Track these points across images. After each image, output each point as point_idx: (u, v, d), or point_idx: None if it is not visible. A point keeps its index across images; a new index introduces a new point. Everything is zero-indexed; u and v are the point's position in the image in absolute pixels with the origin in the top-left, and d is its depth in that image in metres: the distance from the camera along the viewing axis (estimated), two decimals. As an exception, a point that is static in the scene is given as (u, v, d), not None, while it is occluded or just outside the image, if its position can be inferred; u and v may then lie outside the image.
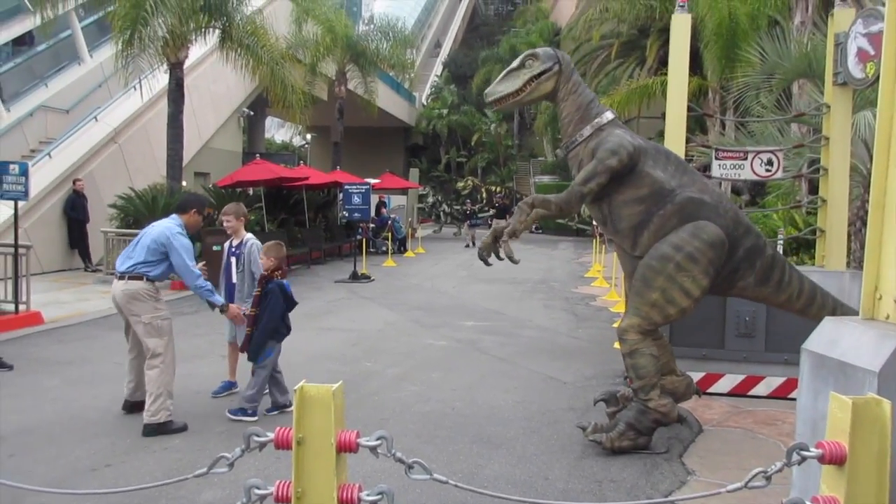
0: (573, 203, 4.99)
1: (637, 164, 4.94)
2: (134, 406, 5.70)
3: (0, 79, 16.16)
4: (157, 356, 5.42)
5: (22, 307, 9.41)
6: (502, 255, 5.01)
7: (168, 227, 5.61)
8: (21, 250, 9.54)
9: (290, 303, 5.92)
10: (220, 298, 5.81)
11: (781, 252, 8.49)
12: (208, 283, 5.67)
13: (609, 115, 5.21)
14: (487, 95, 5.38)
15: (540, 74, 5.19)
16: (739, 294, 5.27)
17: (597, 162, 4.89)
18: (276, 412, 5.85)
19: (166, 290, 12.65)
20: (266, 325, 5.75)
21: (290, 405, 5.61)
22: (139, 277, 5.45)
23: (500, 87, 5.26)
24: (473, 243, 24.75)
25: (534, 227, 34.17)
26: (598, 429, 5.02)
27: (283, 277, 5.93)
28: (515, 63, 5.30)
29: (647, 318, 4.89)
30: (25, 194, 9.50)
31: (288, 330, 5.96)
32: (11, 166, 9.41)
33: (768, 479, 2.13)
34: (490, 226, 28.84)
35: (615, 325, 9.96)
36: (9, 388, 6.49)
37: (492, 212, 29.15)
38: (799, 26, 11.64)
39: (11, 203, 9.91)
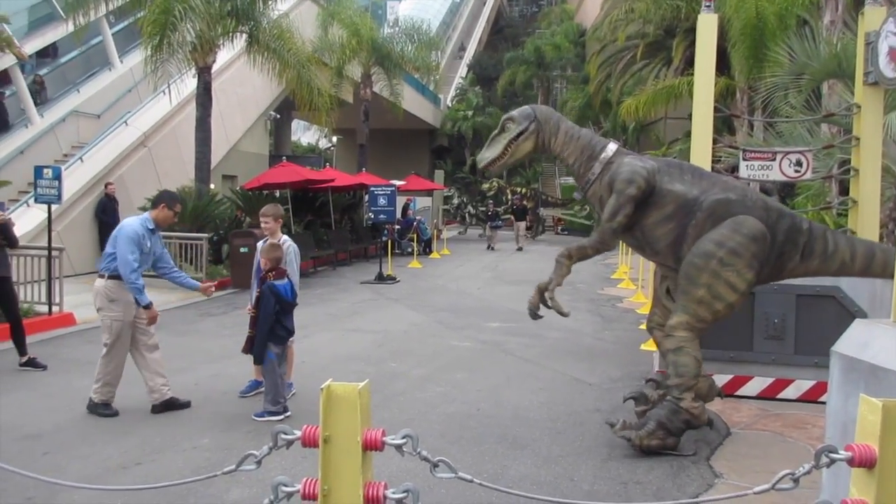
0: (607, 241, 5.13)
1: (655, 185, 5.01)
2: (162, 406, 5.83)
3: (32, 87, 16.49)
4: (104, 347, 5.85)
5: (55, 308, 9.61)
6: (550, 304, 5.22)
7: (127, 222, 5.92)
8: (54, 253, 9.74)
9: (284, 304, 5.81)
10: (146, 298, 5.91)
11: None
12: (141, 281, 5.86)
13: (612, 147, 5.32)
14: (478, 162, 5.66)
15: (518, 136, 5.36)
16: (791, 276, 5.24)
17: (617, 195, 5.00)
18: (265, 417, 5.71)
19: (194, 292, 12.81)
20: (260, 327, 5.79)
21: (280, 416, 5.69)
22: (102, 276, 5.89)
23: (487, 153, 5.52)
24: (493, 246, 24.64)
25: (559, 228, 34.16)
26: (627, 426, 5.01)
27: (277, 279, 5.87)
28: (498, 128, 5.52)
29: (696, 315, 4.88)
30: (59, 198, 9.70)
31: (287, 332, 5.88)
32: (45, 171, 9.61)
33: (796, 481, 2.11)
34: (507, 226, 28.55)
35: (642, 326, 9.91)
36: (43, 387, 6.63)
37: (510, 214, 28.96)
38: (829, 25, 11.47)
39: (45, 206, 10.12)
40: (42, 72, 17.48)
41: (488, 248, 24.58)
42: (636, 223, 5.10)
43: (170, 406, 5.90)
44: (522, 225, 25.62)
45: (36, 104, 17.45)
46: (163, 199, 6.15)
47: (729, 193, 4.99)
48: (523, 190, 34.67)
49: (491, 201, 32.49)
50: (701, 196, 4.97)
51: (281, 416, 5.71)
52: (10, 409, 5.89)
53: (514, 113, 5.51)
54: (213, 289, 6.78)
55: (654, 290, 5.64)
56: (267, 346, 5.76)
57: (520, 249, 23.92)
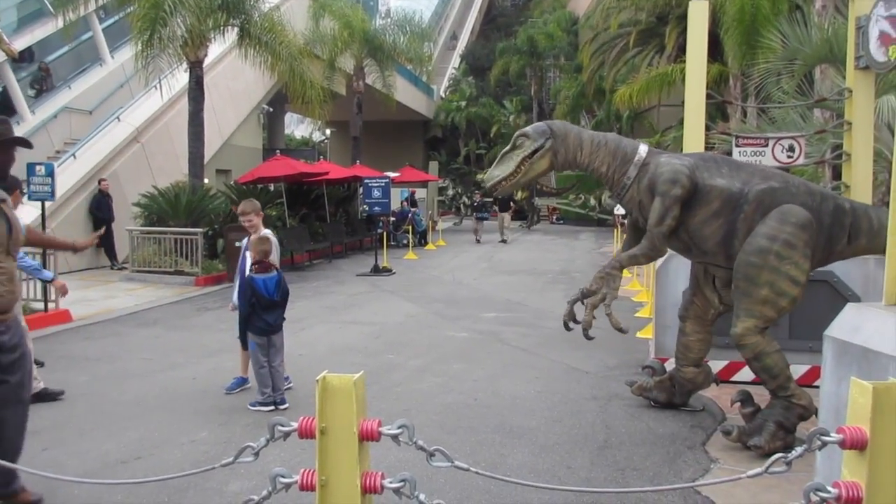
0: (658, 247, 5.00)
1: (698, 182, 4.90)
2: (35, 398, 5.34)
3: (21, 84, 16.41)
4: None
5: (51, 305, 9.60)
6: (609, 320, 5.15)
7: None
8: (49, 250, 9.71)
9: (260, 298, 5.81)
10: (48, 273, 6.52)
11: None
12: (28, 260, 6.24)
13: (644, 147, 5.20)
14: (485, 181, 5.39)
15: (533, 153, 5.17)
16: (839, 258, 5.16)
17: (662, 197, 4.86)
18: (256, 406, 5.79)
19: (190, 287, 12.85)
20: (239, 316, 6.00)
21: (271, 406, 5.75)
22: None
23: (496, 171, 5.27)
24: (479, 239, 23.54)
25: (555, 217, 34.17)
26: (743, 432, 4.86)
27: (260, 272, 5.90)
28: (509, 145, 5.29)
29: (762, 316, 4.75)
30: (52, 195, 9.68)
31: (266, 325, 5.86)
32: (38, 167, 9.59)
33: (788, 464, 2.13)
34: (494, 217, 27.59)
35: (638, 314, 9.95)
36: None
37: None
38: (820, 10, 11.45)
39: (39, 203, 10.10)
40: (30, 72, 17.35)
41: (477, 241, 23.50)
42: (681, 224, 4.95)
43: (42, 398, 5.83)
44: (507, 216, 24.19)
45: (41, 91, 17.59)
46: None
47: (771, 182, 4.88)
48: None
49: (477, 191, 32.05)
50: (745, 188, 4.85)
51: (271, 407, 5.76)
52: (7, 407, 5.89)
53: (528, 129, 5.30)
54: (67, 290, 6.66)
55: (696, 278, 5.45)
56: (248, 335, 5.88)
57: (503, 241, 22.93)
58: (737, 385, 6.24)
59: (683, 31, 17.35)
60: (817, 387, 5.19)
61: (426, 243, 22.54)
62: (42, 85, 17.69)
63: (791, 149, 7.08)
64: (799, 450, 2.14)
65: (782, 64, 9.76)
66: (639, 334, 8.60)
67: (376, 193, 16.14)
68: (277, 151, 21.32)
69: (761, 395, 5.12)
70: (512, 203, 26.52)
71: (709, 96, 7.28)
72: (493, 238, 23.68)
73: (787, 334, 6.25)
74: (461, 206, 34.02)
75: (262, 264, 5.93)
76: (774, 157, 7.10)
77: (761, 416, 4.89)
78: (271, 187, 18.31)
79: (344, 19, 22.19)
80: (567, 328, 5.31)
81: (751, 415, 4.99)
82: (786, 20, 10.44)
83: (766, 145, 7.11)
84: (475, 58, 46.68)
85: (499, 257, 19.02)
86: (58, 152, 16.21)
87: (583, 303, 5.27)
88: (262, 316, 5.84)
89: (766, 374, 4.80)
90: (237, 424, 5.47)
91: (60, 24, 15.09)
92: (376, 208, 16.50)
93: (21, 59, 15.67)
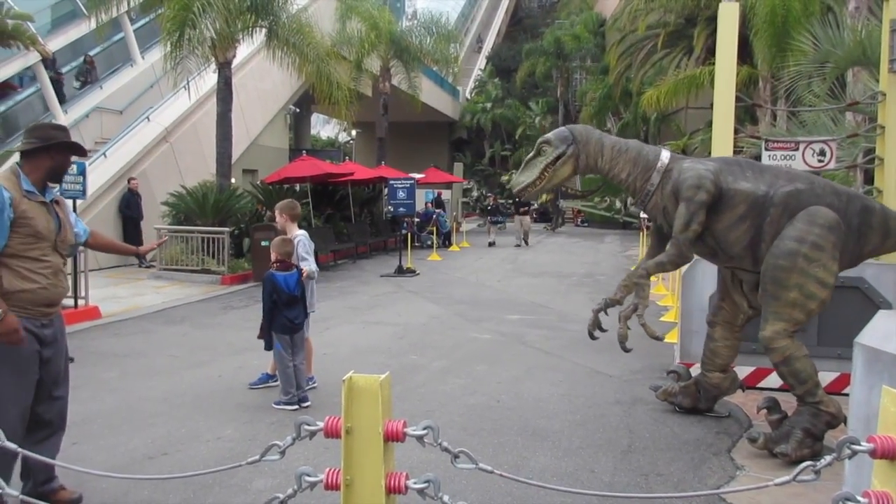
0: (684, 253, 4.99)
1: (722, 187, 4.87)
2: None
3: (83, 67, 16.83)
4: None
5: (81, 302, 9.76)
6: (643, 329, 5.15)
7: None
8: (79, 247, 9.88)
9: (281, 294, 5.87)
10: None
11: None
12: None
13: (666, 153, 5.18)
14: (512, 187, 5.50)
15: (556, 160, 5.19)
16: (870, 256, 5.12)
17: (686, 203, 4.84)
18: (280, 405, 5.85)
19: (216, 285, 12.99)
20: (263, 314, 5.96)
21: (295, 405, 5.80)
22: None
23: (521, 178, 5.33)
24: (494, 242, 22.83)
25: (579, 219, 33.99)
26: (770, 439, 4.80)
27: (281, 270, 5.96)
28: (533, 151, 5.34)
29: (791, 319, 4.71)
30: (83, 193, 9.84)
31: (290, 322, 5.92)
32: (70, 166, 9.73)
33: (817, 473, 2.10)
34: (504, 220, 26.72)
35: (663, 318, 9.87)
36: (70, 379, 6.72)
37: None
38: (853, 12, 11.28)
39: (70, 202, 10.26)
40: (64, 69, 17.66)
41: (490, 244, 22.66)
42: (707, 229, 4.93)
43: None
44: (527, 220, 23.32)
45: (86, 83, 18.10)
46: None
47: (797, 184, 4.83)
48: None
49: (490, 194, 31.66)
50: (770, 191, 4.81)
51: (294, 406, 5.81)
52: (38, 401, 6.00)
53: (550, 136, 5.33)
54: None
55: (724, 282, 5.41)
56: (272, 334, 5.89)
57: (518, 245, 22.31)
58: (763, 391, 6.17)
59: (712, 33, 17.19)
60: (846, 394, 5.12)
61: (450, 244, 22.55)
62: (87, 77, 18.31)
63: (822, 153, 6.98)
64: (828, 458, 2.11)
65: (813, 66, 9.62)
66: (665, 339, 8.53)
67: (401, 194, 16.18)
68: (304, 152, 21.49)
69: (788, 402, 5.05)
70: (530, 205, 25.92)
71: (738, 99, 7.21)
72: (508, 241, 23.16)
73: (816, 341, 6.16)
74: (484, 208, 33.81)
75: (283, 263, 5.99)
76: (805, 161, 7.01)
77: (788, 424, 4.82)
78: (297, 187, 18.44)
79: (371, 21, 22.29)
80: (592, 337, 5.33)
81: (777, 422, 4.91)
82: (817, 22, 10.30)
83: (797, 149, 7.02)
84: (501, 59, 46.64)
85: (523, 259, 18.97)
86: (89, 151, 16.47)
87: (606, 312, 5.29)
88: (284, 313, 5.90)
89: (794, 379, 4.73)
90: (262, 422, 5.52)
91: (93, 25, 15.36)
92: (401, 209, 16.55)
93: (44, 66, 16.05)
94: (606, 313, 5.29)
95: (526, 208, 23.71)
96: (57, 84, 17.23)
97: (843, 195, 4.90)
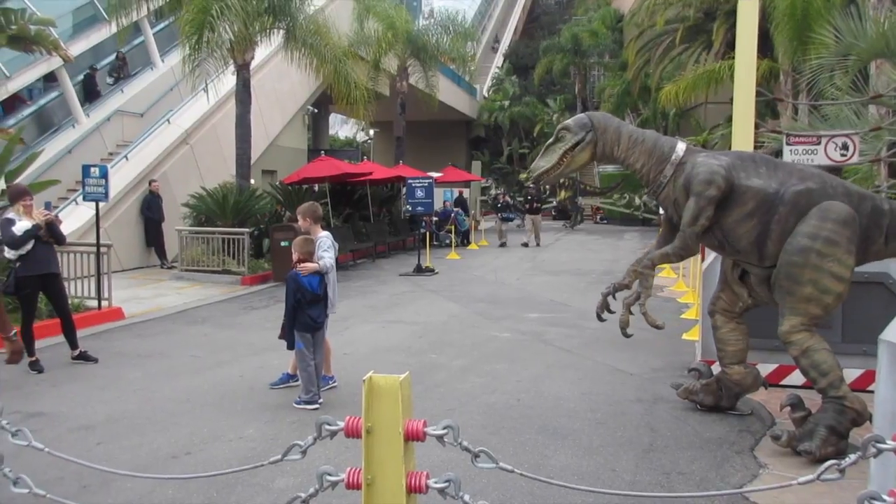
0: (690, 245, 5.08)
1: (734, 182, 4.89)
2: None
3: (115, 63, 17.13)
4: None
5: (104, 303, 9.88)
6: (645, 318, 5.24)
7: None
8: (102, 249, 10.01)
9: (304, 293, 5.92)
10: None
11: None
12: None
13: (682, 146, 5.20)
14: (530, 171, 5.57)
15: (574, 146, 5.28)
16: (875, 258, 5.10)
17: (696, 197, 4.89)
18: (300, 404, 5.90)
19: (237, 286, 13.08)
20: (285, 313, 6.03)
21: (316, 405, 5.83)
22: None
23: (541, 163, 5.44)
24: (505, 242, 22.06)
25: (599, 217, 33.82)
26: (793, 437, 4.77)
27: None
28: (553, 137, 5.42)
29: (807, 313, 4.71)
30: (106, 196, 9.95)
31: (313, 321, 5.98)
32: (93, 169, 9.86)
33: (842, 471, 2.08)
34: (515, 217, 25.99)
35: (684, 316, 9.80)
36: (95, 380, 6.84)
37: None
38: (875, 3, 11.09)
39: (93, 204, 10.40)
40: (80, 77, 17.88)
41: (501, 244, 21.98)
42: (715, 223, 4.98)
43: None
44: (537, 219, 22.33)
45: (118, 79, 18.52)
46: None
47: (808, 183, 4.83)
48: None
49: (499, 191, 31.26)
50: (781, 189, 4.82)
51: (315, 406, 5.84)
52: (64, 401, 6.09)
53: (570, 122, 5.42)
54: None
55: (724, 273, 5.47)
56: (295, 332, 5.93)
57: (525, 245, 21.53)
58: (787, 389, 6.10)
59: (732, 27, 17.02)
60: (871, 392, 5.05)
61: (469, 243, 22.54)
62: (119, 73, 18.75)
63: (845, 147, 6.90)
64: (853, 457, 2.09)
65: (836, 59, 9.48)
66: (685, 336, 8.48)
67: (419, 193, 16.20)
68: (322, 152, 21.60)
69: (812, 400, 4.99)
70: (542, 204, 25.12)
71: (758, 93, 7.13)
72: (516, 241, 22.27)
73: (841, 337, 6.09)
74: (494, 205, 33.23)
75: (305, 262, 6.04)
76: (827, 156, 6.93)
77: (812, 421, 4.77)
78: (316, 188, 18.53)
79: (388, 20, 22.32)
80: (599, 319, 5.44)
81: (801, 419, 4.86)
82: (839, 14, 10.14)
83: (819, 143, 6.93)
84: (518, 56, 46.47)
85: (542, 257, 18.91)
86: (111, 154, 16.67)
87: (614, 297, 5.37)
88: (307, 311, 5.94)
89: (816, 372, 4.70)
90: (283, 422, 5.55)
91: (114, 29, 15.53)
92: (419, 208, 16.57)
93: (53, 79, 16.27)
94: (614, 297, 5.36)
95: (538, 205, 22.94)
96: (91, 79, 17.68)
97: (855, 195, 4.90)
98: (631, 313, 5.23)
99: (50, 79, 16.27)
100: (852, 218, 4.70)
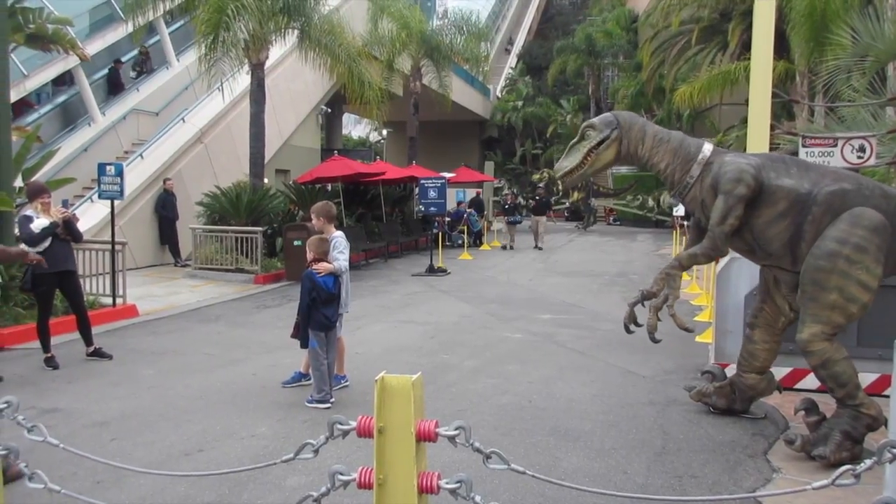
0: (720, 246, 4.94)
1: (763, 182, 4.79)
2: None
3: (92, 87, 17.17)
4: None
5: (119, 300, 9.95)
6: (673, 320, 5.10)
7: None
8: (117, 247, 10.09)
9: (320, 291, 5.94)
10: None
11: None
12: None
13: (708, 146, 5.13)
14: (555, 171, 5.50)
15: (599, 144, 5.21)
16: None
17: (725, 196, 4.79)
18: (312, 403, 5.92)
19: (250, 284, 13.14)
20: (299, 311, 6.05)
21: (328, 404, 5.85)
22: None
23: (565, 163, 5.35)
24: (512, 245, 21.47)
25: (612, 218, 33.70)
26: (807, 441, 4.72)
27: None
28: (577, 136, 5.36)
29: (830, 321, 4.60)
30: (121, 194, 10.02)
31: (327, 320, 6.00)
32: (108, 167, 9.93)
33: (857, 476, 2.06)
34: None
35: (697, 318, 9.74)
36: (109, 376, 6.89)
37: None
38: (894, 4, 11.00)
39: (108, 202, 10.48)
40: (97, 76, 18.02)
41: (503, 247, 21.44)
42: (745, 224, 4.86)
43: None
44: (542, 220, 21.63)
45: (141, 73, 18.80)
46: None
47: (843, 183, 4.70)
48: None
49: (508, 192, 30.90)
50: (814, 189, 4.70)
51: (328, 405, 5.86)
52: (79, 398, 6.15)
53: (595, 120, 5.36)
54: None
55: (766, 283, 5.31)
56: (308, 331, 5.95)
57: (538, 248, 20.98)
58: (801, 393, 6.05)
59: (748, 28, 16.91)
60: (886, 396, 5.00)
61: (481, 244, 22.53)
62: (142, 67, 19.06)
63: (861, 149, 6.83)
64: (868, 462, 2.07)
65: (853, 61, 9.40)
66: (698, 338, 8.43)
67: (432, 194, 16.22)
68: (335, 152, 21.64)
69: (827, 404, 4.95)
70: (551, 206, 24.70)
71: (774, 95, 7.08)
72: (526, 244, 21.83)
73: (856, 341, 6.03)
74: (501, 206, 32.52)
75: (320, 262, 6.06)
76: (844, 158, 6.86)
77: (827, 426, 4.72)
78: (329, 187, 18.58)
79: (402, 20, 22.35)
80: (628, 331, 5.30)
81: (816, 424, 4.81)
82: (857, 15, 10.06)
83: (835, 145, 6.87)
84: (532, 57, 46.39)
85: (554, 258, 18.87)
86: (126, 153, 16.79)
87: (643, 304, 5.24)
88: (321, 310, 5.96)
89: (834, 383, 4.62)
90: (295, 420, 5.57)
91: (130, 28, 15.64)
92: (432, 208, 16.58)
93: (61, 83, 16.41)
94: (643, 305, 5.25)
95: (543, 201, 22.23)
96: (115, 73, 17.97)
97: (893, 198, 4.75)
98: (659, 319, 5.12)
99: (58, 83, 16.39)
100: (884, 226, 4.57)
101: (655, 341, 5.14)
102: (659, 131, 5.29)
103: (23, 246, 6.92)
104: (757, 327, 5.36)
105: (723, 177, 4.83)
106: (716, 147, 5.20)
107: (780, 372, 6.01)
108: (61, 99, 16.75)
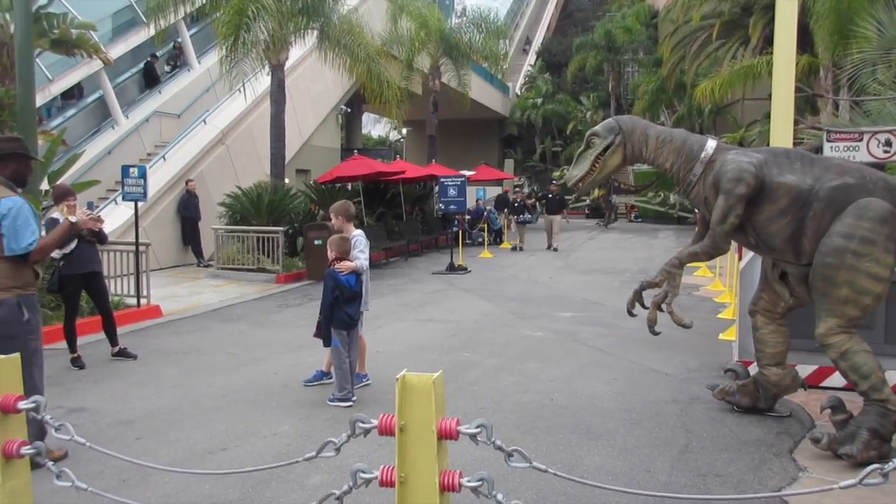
0: (720, 244, 5.01)
1: (764, 179, 4.79)
2: None
3: (117, 89, 17.37)
4: None
5: (143, 301, 10.06)
6: (671, 317, 5.21)
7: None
8: (141, 248, 10.20)
9: (343, 290, 5.95)
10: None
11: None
12: None
13: (711, 144, 5.15)
14: (567, 181, 5.62)
15: (605, 150, 5.31)
16: None
17: (725, 195, 4.82)
18: (334, 402, 5.94)
19: (272, 284, 13.23)
20: (322, 310, 6.06)
21: (350, 402, 5.88)
22: None
23: (575, 171, 5.46)
24: (521, 246, 20.57)
25: (633, 215, 33.48)
26: (834, 440, 4.66)
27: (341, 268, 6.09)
28: (583, 145, 5.45)
29: (844, 314, 4.58)
30: (144, 195, 10.13)
31: (350, 318, 6.02)
32: (132, 169, 10.05)
33: (885, 475, 2.03)
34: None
35: (720, 315, 9.66)
36: (134, 376, 6.98)
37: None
38: (921, -5, 10.82)
39: (132, 204, 10.60)
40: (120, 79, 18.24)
41: (513, 248, 20.62)
42: (747, 221, 4.89)
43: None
44: (557, 219, 20.53)
45: (175, 67, 19.36)
46: None
47: (846, 178, 4.67)
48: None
49: (517, 189, 30.28)
50: (816, 185, 4.69)
51: (349, 403, 5.88)
52: (104, 397, 6.23)
53: (598, 128, 5.46)
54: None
55: (765, 272, 5.39)
56: (331, 330, 5.97)
57: (553, 249, 19.84)
58: (827, 391, 5.97)
59: (770, 22, 16.70)
60: (916, 394, 4.91)
61: (501, 242, 22.49)
62: (176, 61, 19.60)
63: (888, 143, 6.72)
64: (897, 461, 2.04)
65: (878, 54, 9.27)
66: (721, 336, 8.36)
67: (452, 192, 16.22)
68: (355, 151, 21.75)
69: (853, 402, 4.88)
70: (565, 204, 24.27)
71: (798, 89, 6.99)
72: (537, 245, 20.82)
73: (883, 339, 5.95)
74: (537, 203, 31.66)
75: (342, 261, 6.08)
76: (870, 153, 6.76)
77: (854, 424, 4.65)
78: (349, 186, 18.65)
79: (421, 19, 22.37)
80: (630, 314, 5.44)
81: (842, 422, 4.74)
82: (882, 7, 9.91)
83: (861, 140, 6.77)
84: (551, 54, 46.25)
85: (574, 256, 18.79)
86: (149, 154, 16.97)
87: (642, 295, 5.37)
88: (344, 308, 5.99)
89: (856, 375, 4.58)
90: (317, 419, 5.60)
91: (152, 31, 15.81)
92: (452, 207, 16.58)
93: (70, 97, 16.60)
94: (642, 295, 5.38)
95: (557, 198, 21.04)
96: (151, 67, 18.47)
97: (895, 189, 4.71)
98: (660, 310, 5.21)
99: (67, 96, 16.56)
100: (891, 215, 4.55)
101: (654, 333, 5.28)
102: (661, 132, 5.35)
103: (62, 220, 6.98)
104: (756, 313, 5.44)
105: (723, 176, 4.86)
106: (719, 144, 5.20)
107: (805, 370, 5.94)
108: (87, 102, 16.96)
